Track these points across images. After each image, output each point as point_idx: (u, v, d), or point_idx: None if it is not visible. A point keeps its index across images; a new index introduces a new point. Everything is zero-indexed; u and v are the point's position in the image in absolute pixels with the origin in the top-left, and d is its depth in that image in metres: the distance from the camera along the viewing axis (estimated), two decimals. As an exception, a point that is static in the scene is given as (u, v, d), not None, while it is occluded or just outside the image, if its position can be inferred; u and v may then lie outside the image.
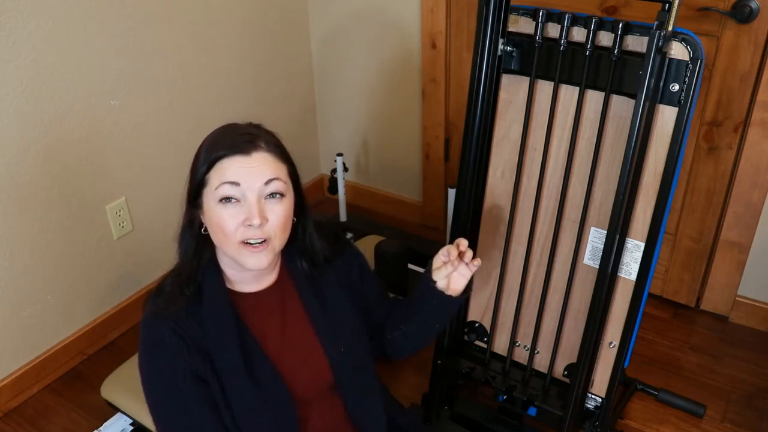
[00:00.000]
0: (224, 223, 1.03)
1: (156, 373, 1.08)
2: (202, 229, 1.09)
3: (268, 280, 1.16)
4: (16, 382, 1.89)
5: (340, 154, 2.36)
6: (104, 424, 1.71)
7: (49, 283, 1.90)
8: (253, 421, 1.08)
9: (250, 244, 1.04)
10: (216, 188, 1.03)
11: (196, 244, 1.10)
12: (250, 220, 1.02)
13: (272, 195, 1.04)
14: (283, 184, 1.06)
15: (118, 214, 2.02)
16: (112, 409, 1.67)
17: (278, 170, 1.05)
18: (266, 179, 1.03)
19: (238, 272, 1.12)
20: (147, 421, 1.53)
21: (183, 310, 1.07)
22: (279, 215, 1.05)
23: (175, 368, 1.05)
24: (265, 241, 1.04)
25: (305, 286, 1.18)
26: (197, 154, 1.08)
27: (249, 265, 1.05)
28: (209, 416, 1.06)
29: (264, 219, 1.03)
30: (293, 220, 1.11)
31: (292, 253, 1.18)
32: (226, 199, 1.03)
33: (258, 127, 1.10)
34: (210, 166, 1.03)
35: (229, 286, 1.13)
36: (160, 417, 1.09)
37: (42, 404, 1.90)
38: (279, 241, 1.07)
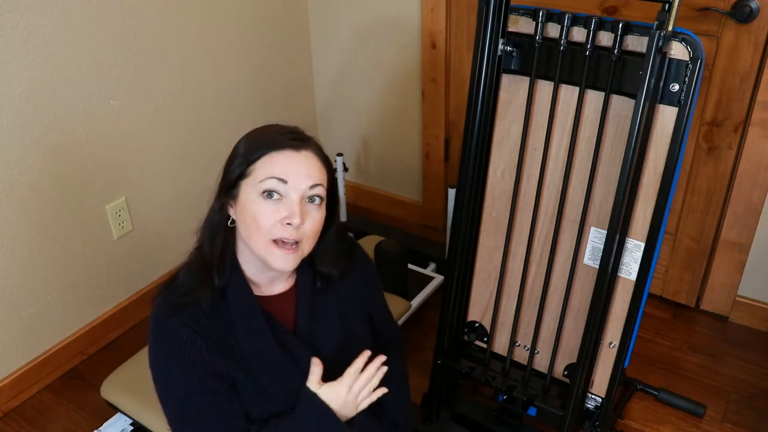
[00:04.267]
0: (261, 217, 1.02)
1: (173, 376, 1.05)
2: (230, 222, 1.08)
3: (279, 288, 1.15)
4: (16, 382, 1.89)
5: (340, 154, 2.36)
6: (104, 424, 1.70)
7: (49, 283, 1.90)
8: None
9: (283, 243, 1.03)
10: (261, 180, 1.02)
11: (224, 236, 1.08)
12: (290, 218, 1.01)
13: (312, 199, 1.04)
14: (324, 191, 1.06)
15: (118, 214, 2.02)
16: (112, 409, 1.67)
17: (323, 177, 1.06)
18: (312, 183, 1.03)
19: (259, 272, 1.11)
20: (147, 421, 1.53)
21: (200, 307, 1.05)
22: (315, 221, 1.05)
23: (192, 369, 1.04)
24: (297, 243, 1.04)
25: (305, 298, 1.16)
26: (237, 147, 1.07)
27: (276, 265, 1.04)
28: (228, 413, 1.05)
29: (304, 220, 1.03)
30: None
31: (306, 265, 1.15)
32: (269, 194, 1.02)
33: (303, 132, 1.10)
34: (258, 158, 1.02)
35: None
36: (177, 421, 1.07)
37: (42, 404, 1.90)
38: (308, 246, 1.06)
